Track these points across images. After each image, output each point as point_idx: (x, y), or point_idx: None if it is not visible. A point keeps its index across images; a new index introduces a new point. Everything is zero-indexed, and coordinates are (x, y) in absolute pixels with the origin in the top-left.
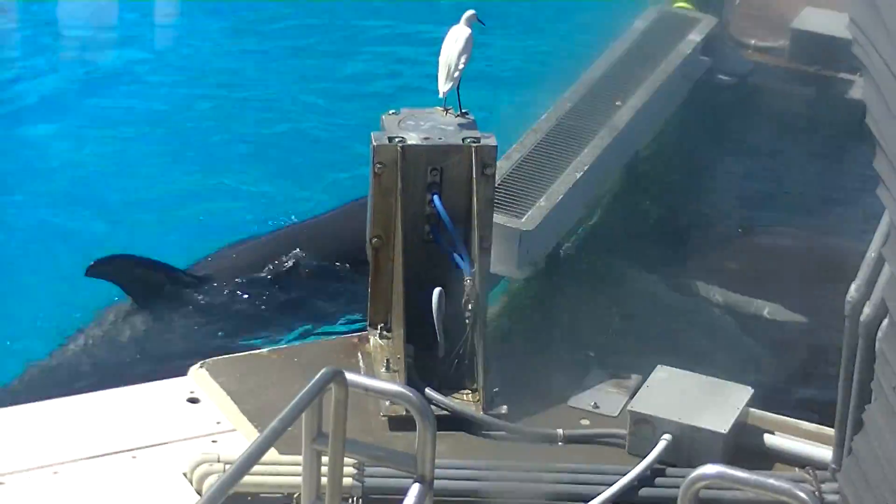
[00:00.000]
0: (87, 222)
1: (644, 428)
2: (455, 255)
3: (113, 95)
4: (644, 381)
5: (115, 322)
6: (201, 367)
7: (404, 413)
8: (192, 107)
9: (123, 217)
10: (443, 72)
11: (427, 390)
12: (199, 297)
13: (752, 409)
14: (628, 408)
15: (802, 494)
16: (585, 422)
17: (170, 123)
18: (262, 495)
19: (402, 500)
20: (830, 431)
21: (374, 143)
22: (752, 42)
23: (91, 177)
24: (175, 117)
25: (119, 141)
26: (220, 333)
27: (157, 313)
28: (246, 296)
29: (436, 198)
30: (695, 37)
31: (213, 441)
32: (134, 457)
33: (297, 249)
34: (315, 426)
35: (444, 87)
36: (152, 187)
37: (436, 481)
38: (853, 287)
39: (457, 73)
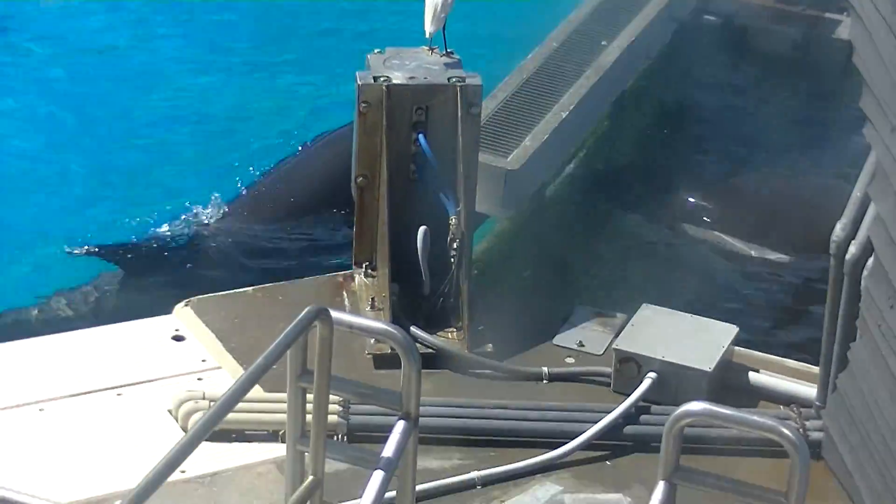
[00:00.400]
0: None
1: (629, 366)
2: (440, 194)
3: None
4: (629, 319)
5: (98, 278)
6: (186, 305)
7: (389, 351)
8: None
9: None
10: (429, 12)
11: (412, 328)
12: (186, 240)
13: (736, 348)
14: (613, 346)
15: (787, 431)
16: (570, 360)
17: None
18: (247, 432)
19: (387, 437)
20: (815, 369)
21: (359, 82)
22: None
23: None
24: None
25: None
26: (204, 273)
27: (140, 260)
28: (231, 237)
29: (421, 137)
30: None
31: (199, 379)
32: (119, 394)
33: (281, 188)
34: (300, 364)
35: (430, 27)
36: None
37: (421, 419)
38: (839, 226)
39: (443, 14)
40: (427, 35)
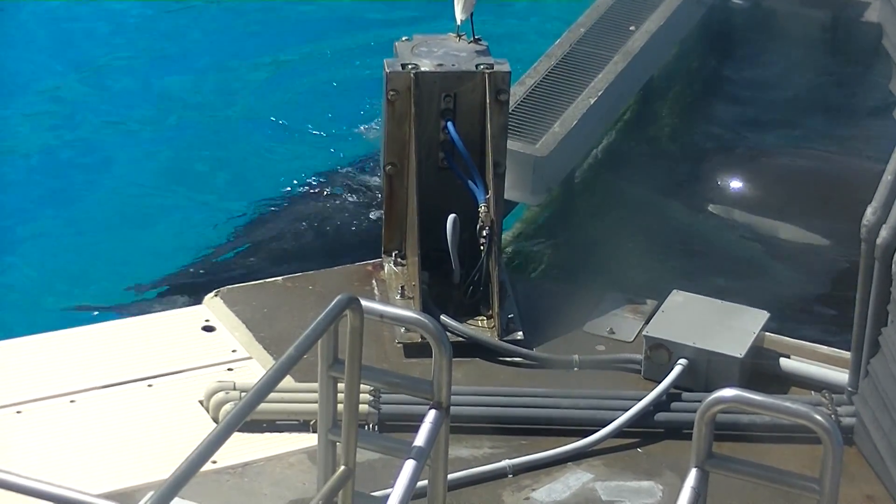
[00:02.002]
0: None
1: (660, 353)
2: (469, 181)
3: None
4: (659, 305)
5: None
6: (216, 295)
7: (420, 340)
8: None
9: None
10: (459, 0)
11: (442, 317)
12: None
13: (767, 334)
14: (644, 333)
15: (819, 417)
16: (601, 347)
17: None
18: (278, 422)
19: (419, 426)
20: (846, 355)
21: (387, 70)
22: None
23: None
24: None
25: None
26: (234, 263)
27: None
28: (261, 225)
29: (450, 124)
30: None
31: (229, 369)
32: (150, 385)
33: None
34: (331, 353)
35: (460, 15)
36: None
37: (452, 407)
38: (869, 210)
39: (473, 1)
40: (458, 22)
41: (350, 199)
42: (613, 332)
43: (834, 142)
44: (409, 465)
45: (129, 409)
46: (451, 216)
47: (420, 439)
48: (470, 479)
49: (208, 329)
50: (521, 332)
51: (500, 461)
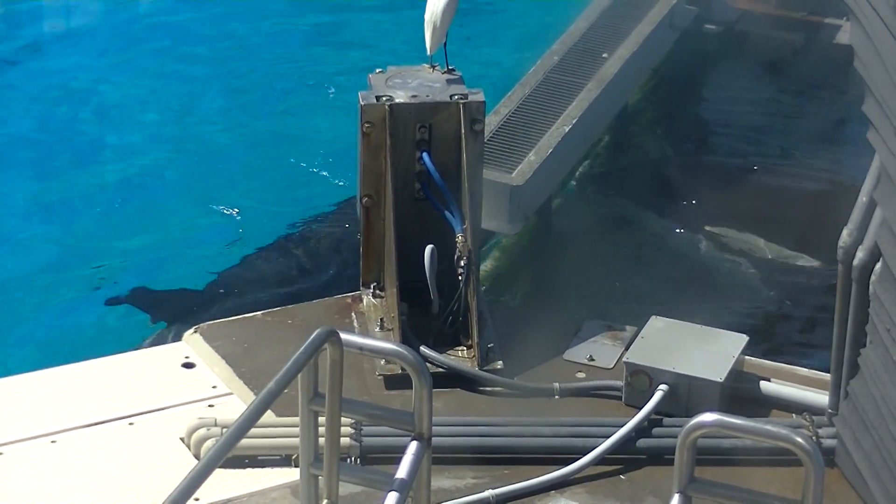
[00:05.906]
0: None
1: (640, 379)
2: (446, 211)
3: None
4: (639, 332)
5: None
6: (195, 331)
7: (400, 371)
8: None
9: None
10: (429, 30)
11: (422, 348)
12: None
13: (747, 357)
14: (623, 359)
15: (800, 440)
16: (581, 374)
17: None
18: (259, 457)
19: (401, 458)
20: (826, 376)
21: (362, 103)
22: None
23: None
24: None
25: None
26: (213, 298)
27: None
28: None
29: (425, 155)
30: None
31: (210, 405)
32: (131, 423)
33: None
34: (311, 387)
35: (431, 45)
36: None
37: (433, 438)
38: (845, 232)
39: (442, 31)
40: (428, 53)
41: (327, 231)
42: (593, 359)
43: (808, 163)
44: (392, 498)
45: (110, 447)
46: (429, 247)
47: (402, 471)
48: None
49: (188, 366)
50: (500, 362)
51: (483, 491)
